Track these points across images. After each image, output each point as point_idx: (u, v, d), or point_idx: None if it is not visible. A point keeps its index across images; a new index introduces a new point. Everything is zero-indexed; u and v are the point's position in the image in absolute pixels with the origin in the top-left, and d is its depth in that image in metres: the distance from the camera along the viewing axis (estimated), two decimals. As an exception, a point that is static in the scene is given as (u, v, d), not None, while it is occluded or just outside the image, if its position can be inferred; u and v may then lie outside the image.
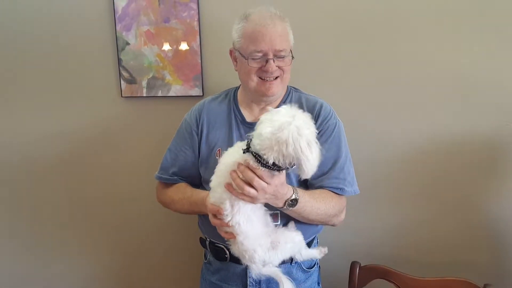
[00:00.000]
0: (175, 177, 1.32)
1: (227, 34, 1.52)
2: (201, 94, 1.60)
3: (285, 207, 1.09)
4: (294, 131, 0.92)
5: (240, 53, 1.21)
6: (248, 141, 0.99)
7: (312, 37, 1.52)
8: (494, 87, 1.48)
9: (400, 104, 1.54)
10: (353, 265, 1.46)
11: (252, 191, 0.98)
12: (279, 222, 1.17)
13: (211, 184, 1.07)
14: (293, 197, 1.08)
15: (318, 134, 1.20)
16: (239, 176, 0.99)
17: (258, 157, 0.95)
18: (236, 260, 1.17)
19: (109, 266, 1.85)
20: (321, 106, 1.25)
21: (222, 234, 1.09)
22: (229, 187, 1.01)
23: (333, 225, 1.26)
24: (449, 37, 1.47)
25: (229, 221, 1.02)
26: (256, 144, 0.95)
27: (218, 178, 1.04)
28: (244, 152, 0.98)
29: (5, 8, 1.63)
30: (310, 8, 1.51)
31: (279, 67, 1.19)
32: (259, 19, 1.16)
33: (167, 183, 1.35)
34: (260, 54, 1.17)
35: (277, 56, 1.17)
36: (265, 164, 0.96)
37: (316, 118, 1.22)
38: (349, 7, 1.49)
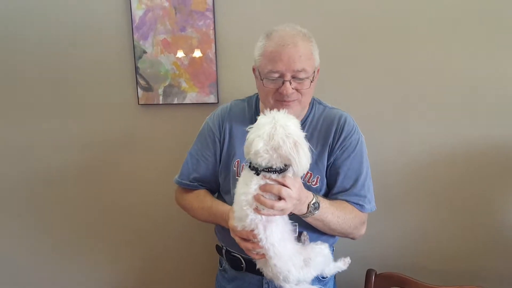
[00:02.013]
0: (196, 183, 1.32)
1: (242, 42, 1.56)
2: (217, 101, 1.62)
3: (308, 212, 1.09)
4: (282, 133, 0.95)
5: (258, 72, 1.17)
6: (250, 164, 1.01)
7: (321, 44, 1.51)
8: (505, 92, 1.47)
9: (412, 110, 1.53)
10: (369, 273, 1.45)
11: (282, 204, 0.98)
12: (296, 234, 1.16)
13: (236, 215, 1.05)
14: (314, 200, 1.09)
15: (340, 150, 1.20)
16: (265, 197, 0.99)
17: (270, 170, 0.98)
18: (252, 270, 1.18)
19: (125, 272, 1.87)
20: (344, 121, 1.22)
21: (252, 255, 1.07)
22: (257, 210, 1.00)
23: (353, 238, 1.26)
24: (463, 42, 1.46)
25: (264, 244, 1.01)
26: (261, 162, 0.97)
27: (243, 207, 1.02)
28: (258, 174, 0.99)
29: (24, 18, 1.67)
30: (320, 17, 1.51)
31: (297, 90, 1.14)
32: (280, 38, 1.11)
33: (186, 188, 1.35)
34: (276, 75, 1.12)
35: (296, 77, 1.12)
36: (280, 171, 0.98)
37: (340, 133, 1.20)
38: (358, 15, 1.49)
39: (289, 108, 1.14)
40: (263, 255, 1.05)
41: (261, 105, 1.30)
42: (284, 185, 0.99)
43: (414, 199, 1.60)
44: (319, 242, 1.16)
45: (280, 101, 1.15)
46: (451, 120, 1.52)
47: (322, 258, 1.12)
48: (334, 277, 1.38)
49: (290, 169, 0.99)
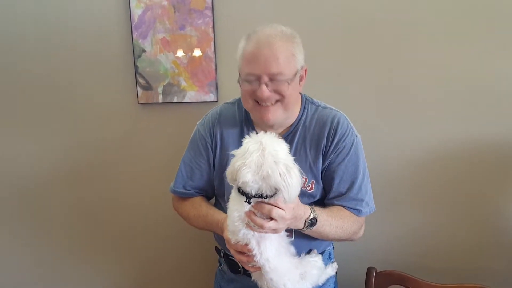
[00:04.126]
0: (191, 191, 1.30)
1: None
2: (216, 100, 1.62)
3: (305, 227, 1.07)
4: (270, 161, 0.91)
5: (239, 74, 1.15)
6: (239, 189, 0.98)
7: (320, 43, 1.53)
8: (506, 91, 1.47)
9: (411, 108, 1.53)
10: (369, 271, 1.45)
11: (272, 224, 0.96)
12: (293, 238, 1.14)
13: (229, 229, 1.03)
14: (312, 216, 1.06)
15: (334, 153, 1.16)
16: (256, 215, 0.97)
17: (261, 196, 0.95)
18: (249, 274, 1.16)
19: (126, 269, 1.87)
20: (338, 123, 1.17)
21: (247, 267, 1.06)
22: (250, 226, 0.98)
23: (351, 241, 1.25)
24: (459, 42, 1.46)
25: (258, 260, 1.00)
26: (250, 191, 0.95)
27: (235, 223, 1.00)
28: (249, 203, 0.97)
29: (23, 18, 1.67)
30: (319, 16, 1.52)
31: (277, 92, 1.10)
32: (258, 40, 1.08)
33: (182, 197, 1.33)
34: (253, 77, 1.09)
35: (273, 80, 1.07)
36: (271, 196, 0.96)
37: (333, 136, 1.16)
38: (357, 14, 1.50)
39: (267, 113, 1.12)
40: (259, 268, 1.04)
41: None
42: (276, 206, 0.96)
43: (415, 198, 1.60)
44: (313, 254, 1.16)
45: (259, 104, 1.12)
46: (451, 119, 1.51)
47: (317, 271, 1.12)
48: (335, 275, 1.37)
49: (280, 193, 0.95)
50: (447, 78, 1.49)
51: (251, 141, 0.96)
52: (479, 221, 1.57)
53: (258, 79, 1.08)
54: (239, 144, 1.16)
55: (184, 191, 1.30)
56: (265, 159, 0.91)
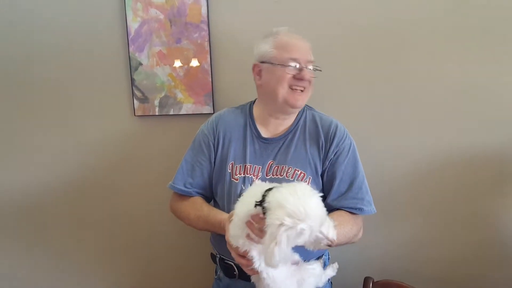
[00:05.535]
0: (190, 189, 1.31)
1: (237, 53, 1.58)
2: (212, 112, 1.63)
3: None
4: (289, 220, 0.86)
5: (272, 63, 1.22)
6: (263, 195, 0.95)
7: (323, 53, 1.54)
8: (507, 102, 1.48)
9: (411, 119, 1.55)
10: (366, 280, 1.44)
11: None
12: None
13: (232, 234, 1.03)
14: None
15: (334, 155, 1.23)
16: (255, 226, 0.96)
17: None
18: (244, 277, 1.17)
19: (121, 282, 1.86)
20: (336, 127, 1.26)
21: (246, 270, 1.06)
22: (249, 237, 0.98)
23: (352, 243, 1.25)
24: (462, 52, 1.49)
25: (257, 267, 1.01)
26: (269, 206, 0.91)
27: (237, 229, 1.01)
28: (255, 206, 0.95)
29: (22, 28, 1.69)
30: (313, 27, 1.54)
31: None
32: (290, 34, 1.25)
33: (182, 195, 1.34)
34: (294, 63, 1.21)
35: (307, 66, 1.22)
36: None
37: (331, 139, 1.24)
38: (360, 25, 1.52)
39: (300, 99, 1.23)
40: (257, 272, 1.04)
41: (255, 110, 1.33)
42: None
43: (412, 207, 1.60)
44: (311, 261, 1.17)
45: (293, 90, 1.22)
46: (450, 128, 1.53)
47: (314, 278, 1.12)
48: (331, 285, 1.37)
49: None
50: (448, 89, 1.51)
51: (314, 198, 0.92)
52: (479, 230, 1.57)
53: (299, 63, 1.22)
54: (242, 135, 1.27)
55: (183, 188, 1.31)
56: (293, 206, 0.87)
